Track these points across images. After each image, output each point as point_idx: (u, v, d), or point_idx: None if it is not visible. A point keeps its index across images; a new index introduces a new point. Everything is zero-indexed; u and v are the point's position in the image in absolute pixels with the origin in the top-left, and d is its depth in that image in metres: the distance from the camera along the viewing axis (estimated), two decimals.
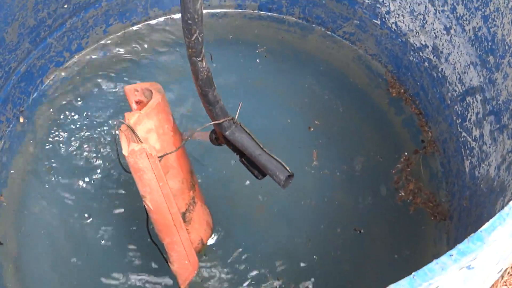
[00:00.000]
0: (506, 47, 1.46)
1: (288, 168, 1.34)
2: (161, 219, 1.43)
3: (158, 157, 1.34)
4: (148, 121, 1.37)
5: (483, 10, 1.55)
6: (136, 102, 1.48)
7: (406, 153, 1.99)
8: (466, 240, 0.82)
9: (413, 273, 0.81)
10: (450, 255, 0.81)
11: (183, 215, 1.55)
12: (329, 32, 2.25)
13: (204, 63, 1.21)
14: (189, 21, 1.11)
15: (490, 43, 1.54)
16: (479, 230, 0.83)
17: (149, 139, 1.38)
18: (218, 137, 1.45)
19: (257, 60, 2.23)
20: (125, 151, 1.29)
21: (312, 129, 2.06)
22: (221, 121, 1.35)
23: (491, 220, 0.83)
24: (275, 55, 2.24)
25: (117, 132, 1.36)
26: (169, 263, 1.56)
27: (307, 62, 2.21)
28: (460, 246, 0.82)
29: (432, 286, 0.80)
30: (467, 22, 1.63)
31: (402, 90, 2.10)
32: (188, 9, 1.09)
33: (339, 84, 2.16)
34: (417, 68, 1.99)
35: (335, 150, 2.01)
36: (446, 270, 0.80)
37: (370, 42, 2.14)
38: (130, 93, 1.48)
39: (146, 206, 1.40)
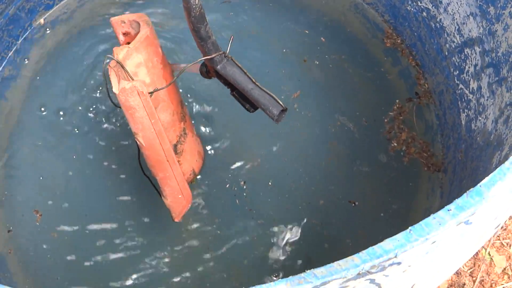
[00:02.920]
0: None
1: (281, 103, 1.32)
2: (153, 155, 1.42)
3: (149, 93, 1.32)
4: (137, 55, 1.35)
5: None
6: (123, 34, 1.44)
7: (398, 101, 1.96)
8: (464, 194, 0.80)
9: (409, 228, 0.79)
10: (448, 210, 0.79)
11: (175, 147, 1.56)
12: None
13: (197, 0, 1.19)
14: None
15: None
16: (478, 185, 0.81)
17: (138, 74, 1.36)
18: (209, 71, 1.44)
19: (245, 6, 2.16)
20: (115, 89, 1.27)
21: (305, 60, 2.03)
22: (212, 56, 1.33)
23: (491, 175, 0.81)
24: (265, 1, 2.17)
25: (106, 68, 1.33)
26: (162, 197, 1.56)
27: (300, 10, 2.15)
28: (458, 201, 0.80)
29: (429, 241, 0.79)
30: None
31: (398, 41, 2.06)
32: None
33: (334, 33, 2.11)
34: (414, 18, 1.94)
35: (326, 99, 1.98)
36: (443, 225, 0.78)
37: None
38: (116, 24, 1.43)
39: (138, 142, 1.40)
